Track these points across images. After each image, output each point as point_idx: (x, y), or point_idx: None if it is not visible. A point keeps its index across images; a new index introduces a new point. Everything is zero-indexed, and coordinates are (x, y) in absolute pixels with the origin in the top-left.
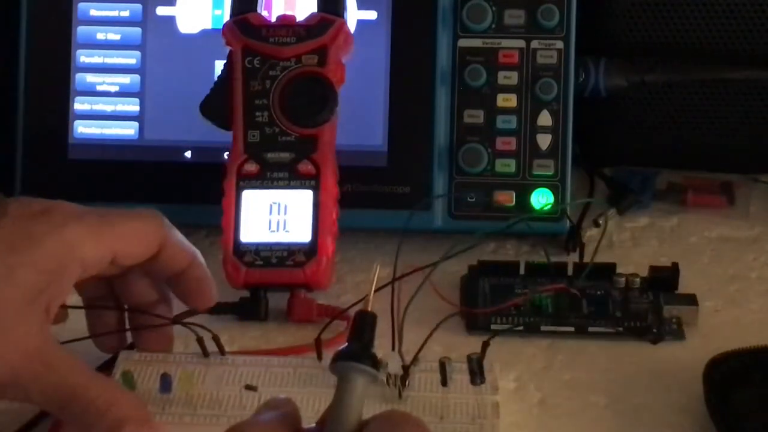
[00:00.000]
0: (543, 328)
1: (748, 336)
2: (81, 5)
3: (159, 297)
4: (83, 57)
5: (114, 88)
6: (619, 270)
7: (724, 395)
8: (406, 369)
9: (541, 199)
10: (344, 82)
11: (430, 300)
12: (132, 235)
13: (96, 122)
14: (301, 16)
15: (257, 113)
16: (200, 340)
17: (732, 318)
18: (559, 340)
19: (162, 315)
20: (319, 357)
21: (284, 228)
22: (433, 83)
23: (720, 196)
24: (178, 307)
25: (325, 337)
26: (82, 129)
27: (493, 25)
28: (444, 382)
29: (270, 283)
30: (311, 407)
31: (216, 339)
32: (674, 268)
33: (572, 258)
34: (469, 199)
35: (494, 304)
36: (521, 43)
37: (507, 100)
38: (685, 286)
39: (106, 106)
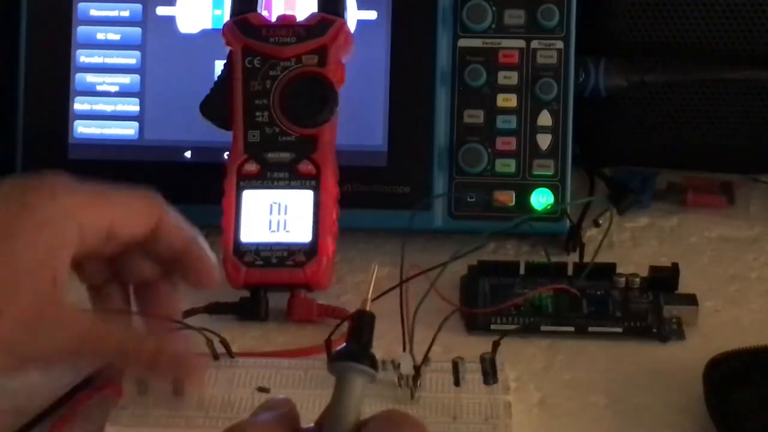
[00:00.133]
0: (543, 328)
1: (748, 336)
2: (81, 5)
3: (162, 278)
4: (83, 57)
5: (114, 88)
6: (619, 270)
7: (724, 395)
8: (417, 369)
9: (541, 199)
10: (344, 82)
11: (431, 300)
12: (129, 206)
13: (96, 122)
14: (301, 16)
15: (257, 113)
16: (209, 343)
17: (732, 318)
18: (559, 340)
19: (167, 295)
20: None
21: (284, 228)
22: (433, 83)
23: (720, 196)
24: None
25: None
26: (82, 129)
27: (493, 25)
28: (457, 382)
29: (270, 283)
30: (322, 409)
31: (224, 342)
32: (674, 268)
33: (572, 258)
34: (469, 199)
35: (494, 304)
36: (521, 43)
37: (507, 100)
38: (685, 286)
39: (106, 106)
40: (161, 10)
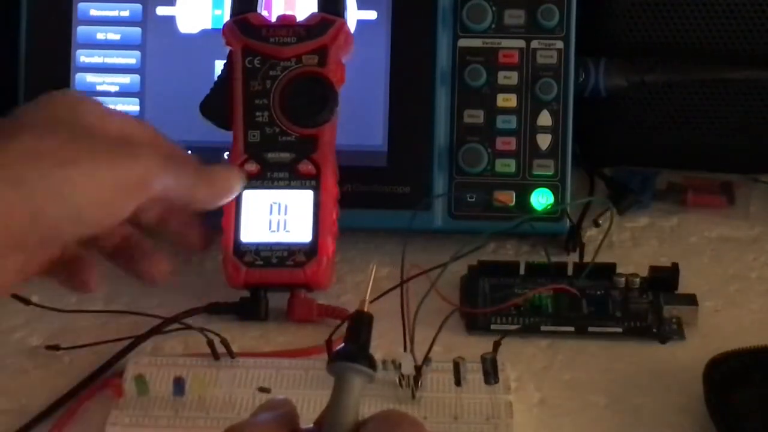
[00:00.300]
0: (543, 328)
1: (748, 336)
2: (81, 5)
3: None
4: (83, 57)
5: (114, 88)
6: (619, 270)
7: (724, 395)
8: (418, 369)
9: (541, 199)
10: (344, 82)
11: (431, 300)
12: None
13: None
14: (301, 16)
15: (257, 113)
16: (210, 343)
17: (732, 318)
18: (559, 340)
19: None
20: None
21: (284, 228)
22: (433, 83)
23: (720, 196)
24: (177, 307)
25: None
26: None
27: (493, 25)
28: (458, 382)
29: (270, 283)
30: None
31: (225, 342)
32: (674, 268)
33: (572, 258)
34: (469, 199)
35: (494, 304)
36: (521, 43)
37: (507, 100)
38: (685, 286)
39: None
40: (161, 10)
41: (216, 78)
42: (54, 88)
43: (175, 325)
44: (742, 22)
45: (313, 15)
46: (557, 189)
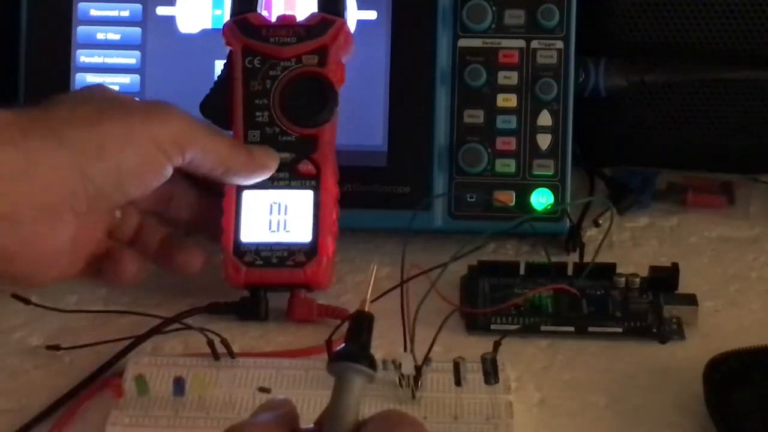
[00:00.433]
0: (543, 328)
1: (748, 336)
2: (81, 5)
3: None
4: (83, 57)
5: (114, 89)
6: (619, 270)
7: (724, 395)
8: (418, 369)
9: (541, 199)
10: (344, 82)
11: (431, 300)
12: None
13: None
14: (301, 16)
15: (257, 113)
16: (210, 343)
17: (732, 318)
18: (559, 340)
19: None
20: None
21: (284, 228)
22: (433, 83)
23: (720, 196)
24: (177, 307)
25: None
26: None
27: (493, 25)
28: (458, 382)
29: (270, 283)
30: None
31: (225, 342)
32: (674, 268)
33: (572, 258)
34: (469, 199)
35: (494, 304)
36: (521, 43)
37: (507, 100)
38: (685, 286)
39: None
40: (161, 10)
41: (216, 78)
42: (54, 88)
43: (175, 325)
44: (742, 22)
45: (313, 15)
46: (557, 189)
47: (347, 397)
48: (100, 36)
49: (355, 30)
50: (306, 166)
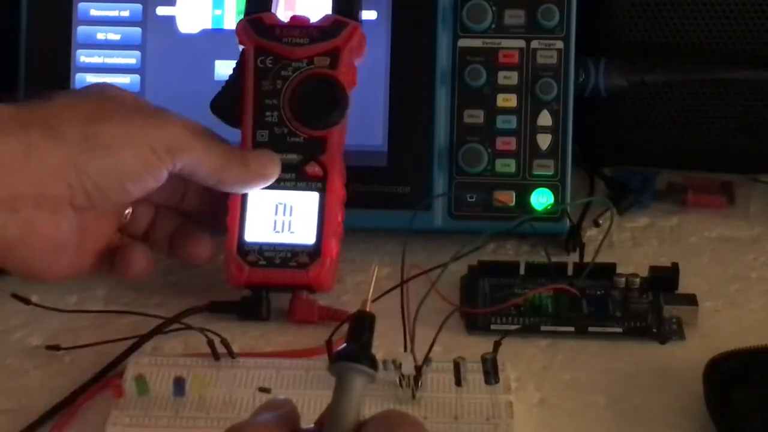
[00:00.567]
0: (543, 328)
1: (748, 336)
2: (81, 5)
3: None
4: (83, 57)
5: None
6: (619, 270)
7: (724, 395)
8: (419, 369)
9: (541, 199)
10: (356, 84)
11: (431, 300)
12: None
13: None
14: (315, 17)
15: (267, 113)
16: (211, 343)
17: (732, 318)
18: (559, 340)
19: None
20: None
21: (289, 229)
22: (433, 83)
23: (720, 196)
24: (177, 307)
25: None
26: None
27: (493, 25)
28: (458, 382)
29: (273, 283)
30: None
31: (225, 342)
32: (674, 268)
33: (572, 258)
34: (469, 199)
35: (494, 304)
36: (521, 43)
37: (507, 100)
38: (685, 286)
39: None
40: (161, 10)
41: (228, 77)
42: (54, 88)
43: (175, 325)
44: (742, 22)
45: (326, 17)
46: (557, 189)
47: (348, 398)
48: (100, 36)
49: None
50: (313, 168)
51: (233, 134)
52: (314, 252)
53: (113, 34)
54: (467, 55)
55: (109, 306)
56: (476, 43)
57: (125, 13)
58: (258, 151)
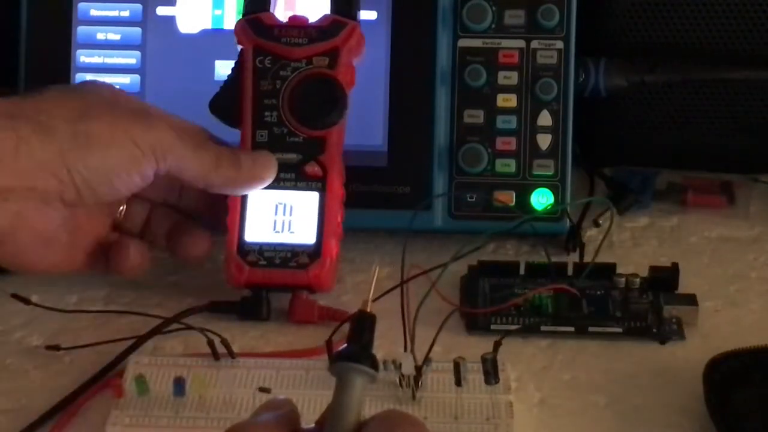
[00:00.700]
0: (543, 328)
1: (748, 336)
2: (81, 5)
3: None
4: (83, 57)
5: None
6: (619, 270)
7: (724, 395)
8: (419, 369)
9: (541, 199)
10: (355, 84)
11: (431, 300)
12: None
13: None
14: (313, 17)
15: (266, 113)
16: (211, 343)
17: (732, 318)
18: (559, 340)
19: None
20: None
21: (289, 229)
22: (433, 83)
23: (720, 196)
24: (177, 307)
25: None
26: None
27: (493, 25)
28: (458, 382)
29: (273, 283)
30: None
31: (225, 342)
32: (674, 268)
33: (572, 258)
34: (469, 199)
35: (494, 304)
36: (521, 43)
37: (507, 100)
38: (685, 286)
39: None
40: (161, 10)
41: (227, 77)
42: None
43: (175, 325)
44: (742, 22)
45: (325, 17)
46: (557, 189)
47: (348, 398)
48: (100, 36)
49: None
50: (312, 168)
51: (233, 134)
52: (314, 252)
53: (113, 34)
54: (467, 55)
55: (109, 306)
56: (476, 43)
57: (125, 13)
58: (253, 153)
